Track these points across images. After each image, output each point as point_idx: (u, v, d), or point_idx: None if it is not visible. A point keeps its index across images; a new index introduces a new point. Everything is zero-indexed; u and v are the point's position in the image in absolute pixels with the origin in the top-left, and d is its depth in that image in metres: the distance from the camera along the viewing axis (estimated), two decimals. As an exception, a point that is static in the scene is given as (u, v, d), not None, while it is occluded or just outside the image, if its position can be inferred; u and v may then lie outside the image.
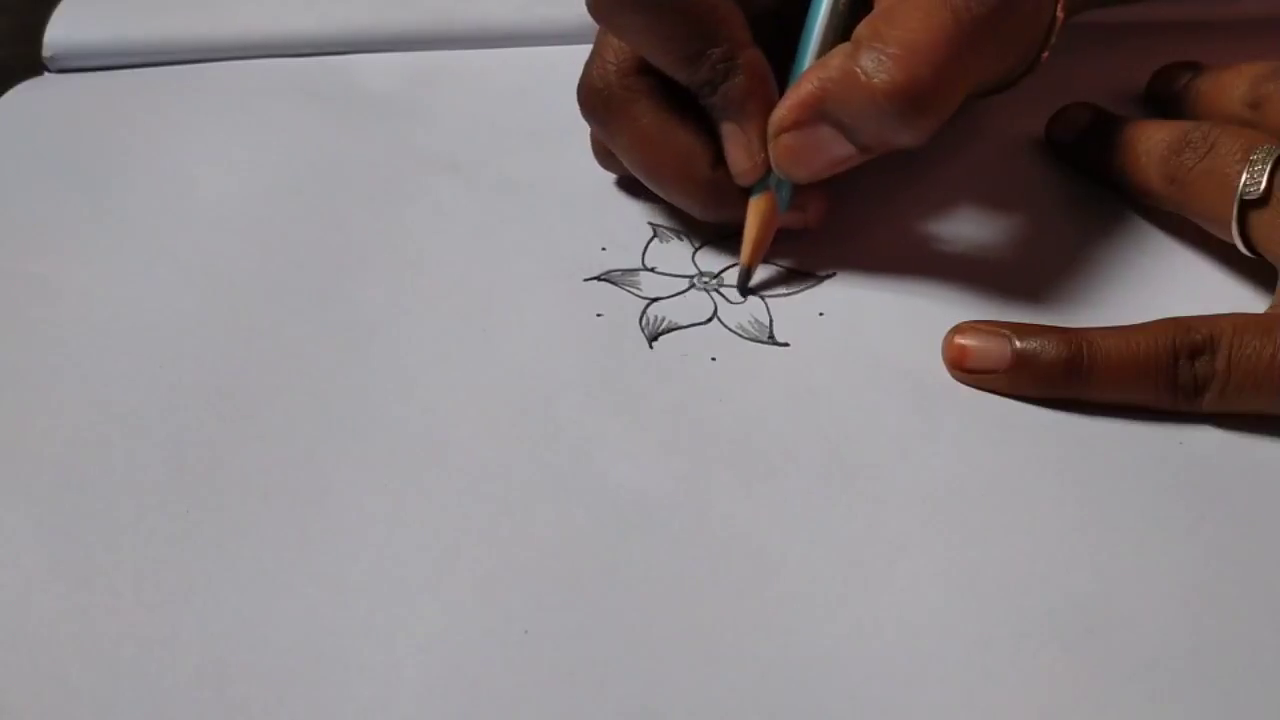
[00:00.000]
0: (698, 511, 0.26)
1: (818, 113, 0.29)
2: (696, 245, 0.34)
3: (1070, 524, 0.26)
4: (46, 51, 0.41)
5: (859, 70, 0.28)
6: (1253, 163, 0.29)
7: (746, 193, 0.32)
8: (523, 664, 0.23)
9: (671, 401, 0.29)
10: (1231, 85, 0.34)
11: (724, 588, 0.24)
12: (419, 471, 0.27)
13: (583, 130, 0.38)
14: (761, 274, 0.33)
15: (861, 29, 0.29)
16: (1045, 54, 0.34)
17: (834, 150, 0.29)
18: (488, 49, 0.43)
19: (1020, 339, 0.28)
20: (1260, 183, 0.29)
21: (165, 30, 0.42)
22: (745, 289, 0.32)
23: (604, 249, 0.33)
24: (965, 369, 0.29)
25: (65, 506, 0.26)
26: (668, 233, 0.34)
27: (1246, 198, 0.29)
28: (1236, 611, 0.24)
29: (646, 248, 0.34)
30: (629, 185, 0.36)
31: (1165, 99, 0.37)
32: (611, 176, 0.36)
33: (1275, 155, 0.29)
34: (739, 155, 0.31)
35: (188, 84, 0.41)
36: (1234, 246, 0.30)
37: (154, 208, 0.35)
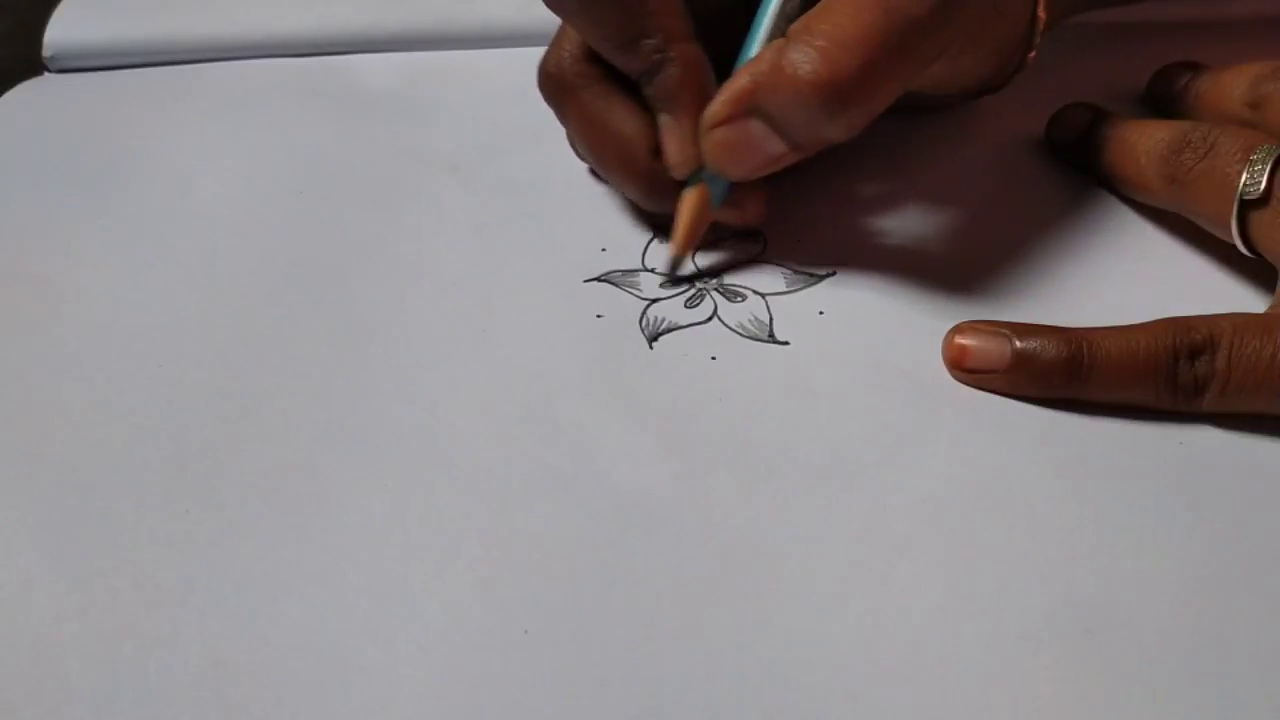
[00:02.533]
0: (698, 511, 0.26)
1: (749, 107, 0.29)
2: (697, 246, 0.34)
3: (1070, 524, 0.26)
4: (46, 51, 0.41)
5: (786, 63, 0.28)
6: (1253, 163, 0.29)
7: (685, 183, 0.32)
8: (522, 664, 0.23)
9: (671, 401, 0.29)
10: (1231, 85, 0.34)
11: (724, 587, 0.24)
12: (419, 471, 0.27)
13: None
14: (763, 276, 0.33)
15: (795, 24, 0.29)
16: (1032, 54, 0.34)
17: (765, 146, 0.29)
18: (488, 49, 0.43)
19: (1020, 339, 0.28)
20: (1260, 183, 0.29)
21: (165, 30, 0.42)
22: (674, 278, 0.32)
23: (604, 250, 0.34)
24: (965, 369, 0.29)
25: (65, 506, 0.26)
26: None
27: (1246, 198, 0.29)
28: (1236, 611, 0.24)
29: (646, 248, 0.34)
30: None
31: (1165, 99, 0.37)
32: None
33: (1275, 155, 0.29)
34: (672, 149, 0.31)
35: (188, 84, 0.41)
36: (1234, 246, 0.30)
37: (154, 207, 0.35)
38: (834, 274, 0.33)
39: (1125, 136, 0.33)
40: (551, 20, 0.43)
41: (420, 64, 0.42)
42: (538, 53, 0.42)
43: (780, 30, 0.30)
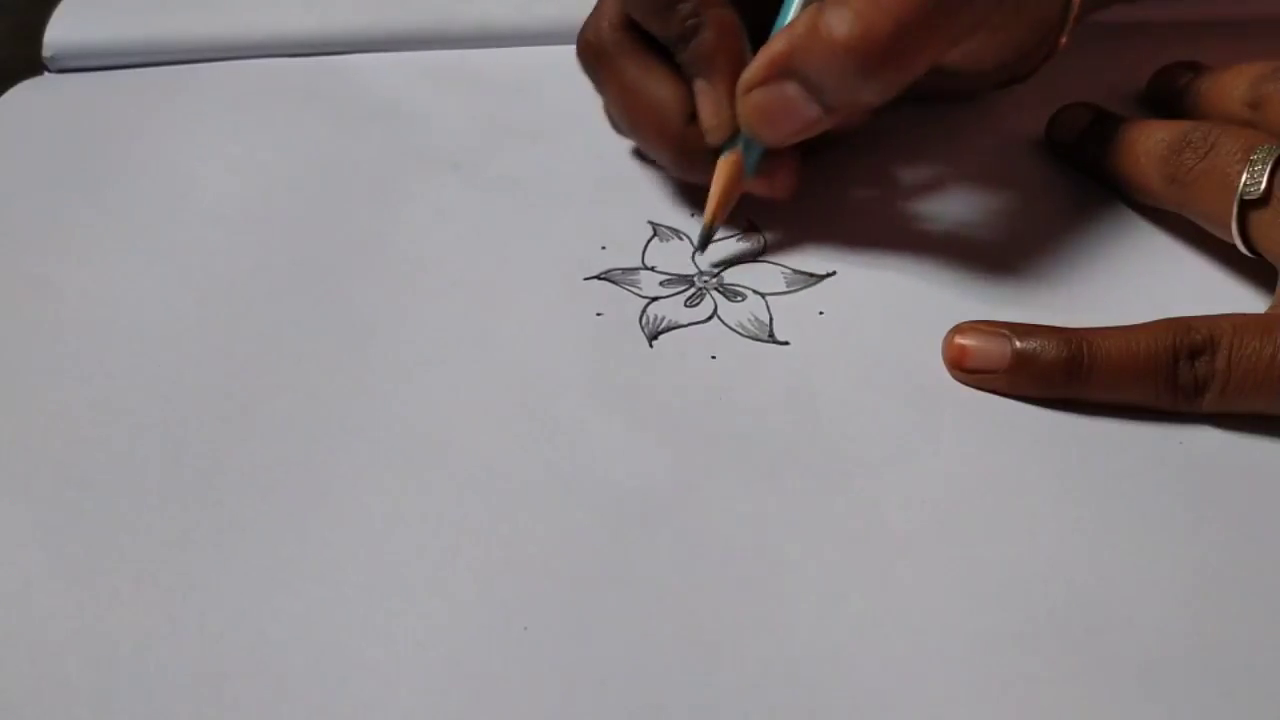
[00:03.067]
0: (697, 509, 0.26)
1: (784, 70, 0.29)
2: (697, 244, 0.34)
3: (1070, 524, 0.26)
4: (46, 51, 0.41)
5: (822, 25, 0.28)
6: (1253, 163, 0.29)
7: (718, 153, 0.32)
8: (522, 661, 0.23)
9: (671, 400, 0.29)
10: (1231, 85, 0.34)
11: (723, 585, 0.24)
12: (419, 470, 0.27)
13: (583, 129, 0.38)
14: (763, 276, 0.33)
15: None
16: (1064, 39, 0.34)
17: (802, 111, 0.29)
18: (488, 49, 0.43)
19: (1020, 339, 0.28)
20: (1260, 183, 0.29)
21: (165, 30, 0.42)
22: (704, 246, 0.33)
23: (604, 248, 0.34)
24: (965, 369, 0.29)
25: (65, 505, 0.26)
26: (668, 231, 0.34)
27: (1246, 197, 0.29)
28: (1236, 611, 0.24)
29: (646, 246, 0.34)
30: (629, 184, 0.36)
31: (1165, 99, 0.37)
32: (611, 175, 0.36)
33: (1275, 155, 0.29)
34: (707, 113, 0.31)
35: (188, 84, 0.41)
36: (1234, 246, 0.30)
37: (154, 208, 0.35)
38: (834, 274, 0.33)
39: (1125, 136, 0.33)
40: (552, 20, 0.44)
41: (420, 64, 0.42)
42: (538, 52, 0.43)
43: None
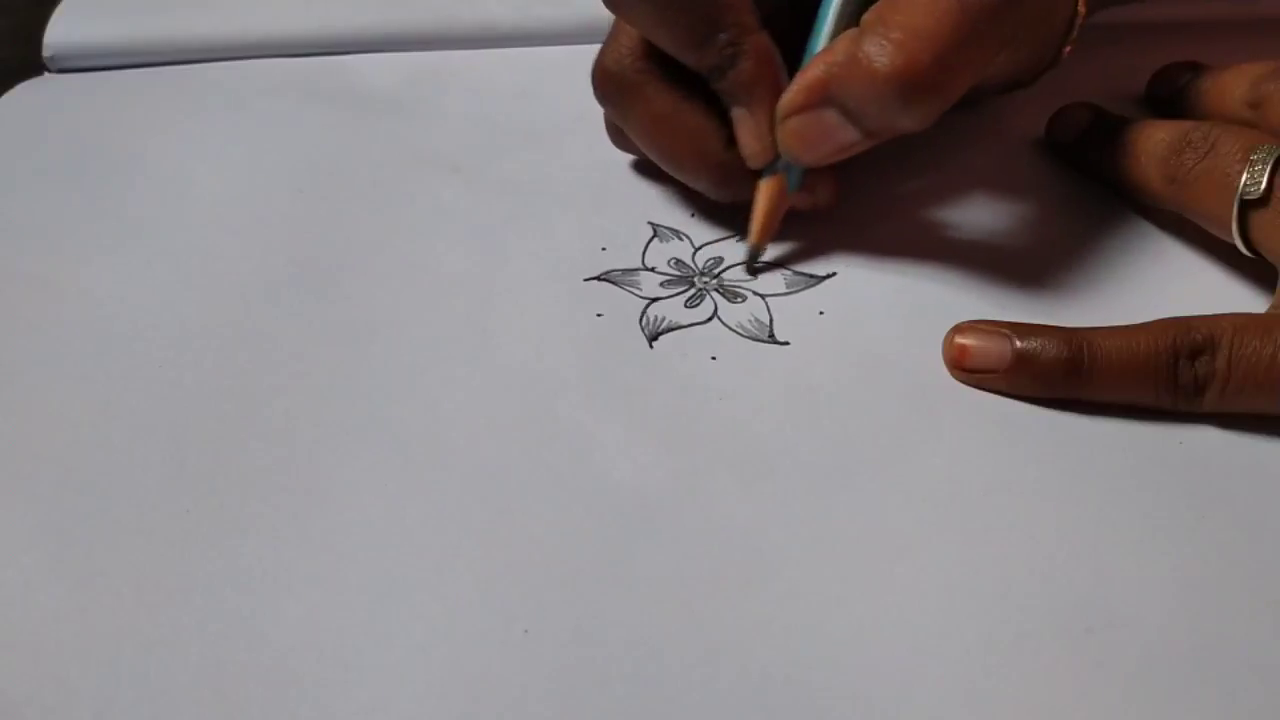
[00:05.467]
0: (698, 510, 0.26)
1: (823, 97, 0.29)
2: (697, 245, 0.34)
3: (1070, 524, 0.26)
4: (46, 51, 0.41)
5: (862, 54, 0.28)
6: (1253, 163, 0.29)
7: (758, 173, 0.32)
8: (522, 663, 0.23)
9: (671, 401, 0.29)
10: (1231, 85, 0.34)
11: (724, 587, 0.24)
12: (419, 471, 0.27)
13: (583, 129, 0.38)
14: (764, 277, 0.33)
15: (868, 15, 0.29)
16: (1068, 49, 0.34)
17: (840, 135, 0.30)
18: (488, 49, 0.43)
19: (1020, 339, 0.28)
20: (1260, 183, 0.29)
21: (165, 30, 0.42)
22: (753, 269, 0.33)
23: (604, 249, 0.34)
24: (965, 369, 0.29)
25: (65, 505, 0.26)
26: (668, 232, 0.34)
27: (1247, 198, 0.29)
28: (1236, 611, 0.24)
29: (646, 247, 0.34)
30: (629, 185, 0.36)
31: (1165, 99, 0.37)
32: (611, 176, 0.36)
33: (1275, 155, 0.29)
34: (748, 139, 0.31)
35: (188, 84, 0.41)
36: (1234, 246, 0.30)
37: (154, 207, 0.35)
38: (834, 275, 0.33)
39: (1125, 136, 0.33)
40: (552, 20, 0.43)
41: (420, 64, 0.42)
42: (537, 52, 0.42)
43: (847, 17, 0.30)
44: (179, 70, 0.42)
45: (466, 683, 0.23)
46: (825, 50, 0.30)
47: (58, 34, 0.42)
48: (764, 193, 0.32)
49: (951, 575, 0.25)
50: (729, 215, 0.35)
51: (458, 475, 0.27)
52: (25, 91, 0.41)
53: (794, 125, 0.30)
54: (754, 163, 0.32)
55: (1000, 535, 0.25)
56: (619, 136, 0.35)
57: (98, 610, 0.24)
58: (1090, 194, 0.35)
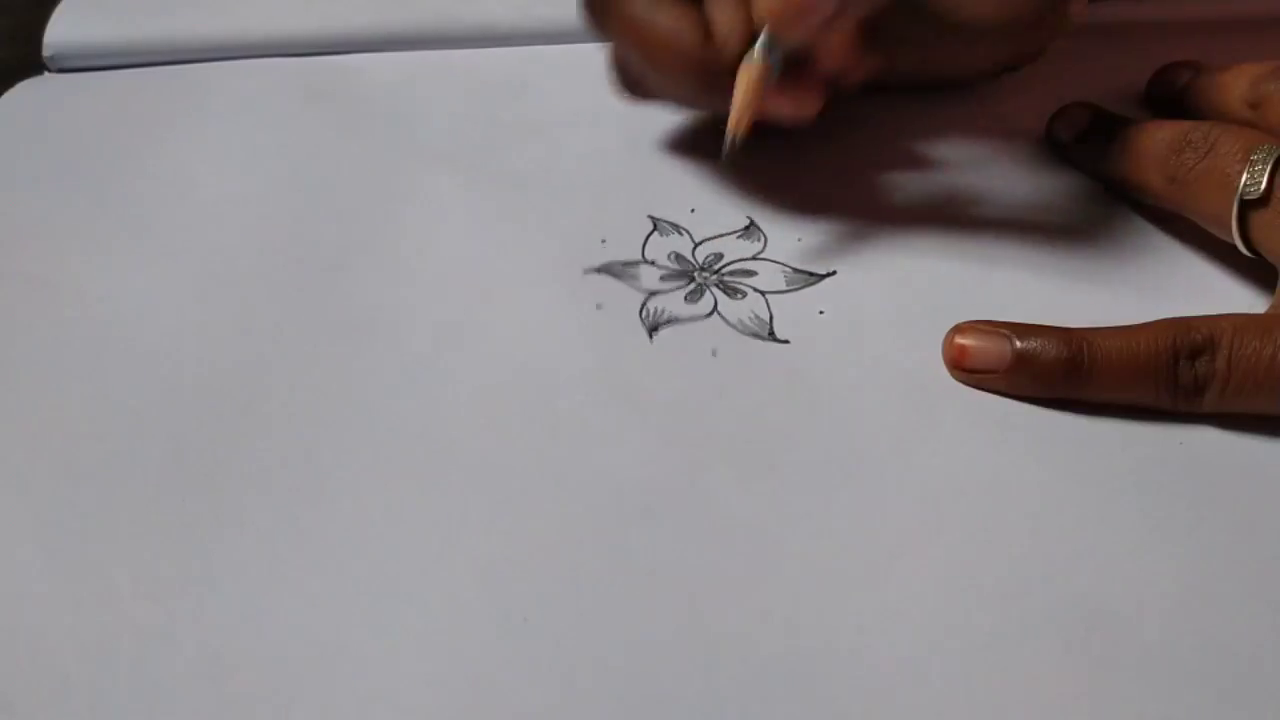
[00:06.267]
0: (697, 504, 0.26)
1: None
2: (697, 240, 0.34)
3: (1070, 524, 0.26)
4: (46, 51, 0.41)
5: None
6: (1253, 163, 0.29)
7: (733, 69, 0.31)
8: (522, 654, 0.23)
9: (671, 395, 0.29)
10: (1231, 85, 0.34)
11: (722, 580, 0.24)
12: (418, 463, 0.27)
13: (583, 124, 0.38)
14: (764, 274, 0.33)
15: None
16: (1074, 5, 0.34)
17: (822, 4, 0.29)
18: (488, 49, 0.43)
19: (1020, 339, 0.28)
20: (1260, 183, 0.29)
21: (165, 30, 0.42)
22: (730, 157, 0.32)
23: (604, 241, 0.34)
24: (965, 369, 0.29)
25: (64, 502, 0.26)
26: (668, 226, 0.34)
27: (1247, 198, 0.29)
28: (1236, 611, 0.24)
29: (646, 240, 0.34)
30: (629, 178, 0.36)
31: (1165, 99, 0.37)
32: (611, 170, 0.36)
33: (1275, 155, 0.29)
34: (721, 20, 0.30)
35: (188, 84, 0.41)
36: (1234, 246, 0.30)
37: (154, 207, 0.35)
38: (834, 274, 0.33)
39: (1125, 136, 0.33)
40: (551, 20, 0.43)
41: (420, 63, 0.42)
42: (537, 52, 0.42)
43: None
44: (179, 70, 0.42)
45: (467, 672, 0.23)
46: None
47: (58, 34, 0.41)
48: (743, 74, 0.30)
49: (951, 574, 0.25)
50: (730, 211, 0.35)
51: (457, 467, 0.27)
52: (25, 91, 0.40)
53: None
54: (729, 47, 0.31)
55: (1000, 535, 0.25)
56: (622, 85, 0.34)
57: (95, 605, 0.24)
58: (1090, 194, 0.35)
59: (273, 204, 0.35)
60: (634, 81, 0.34)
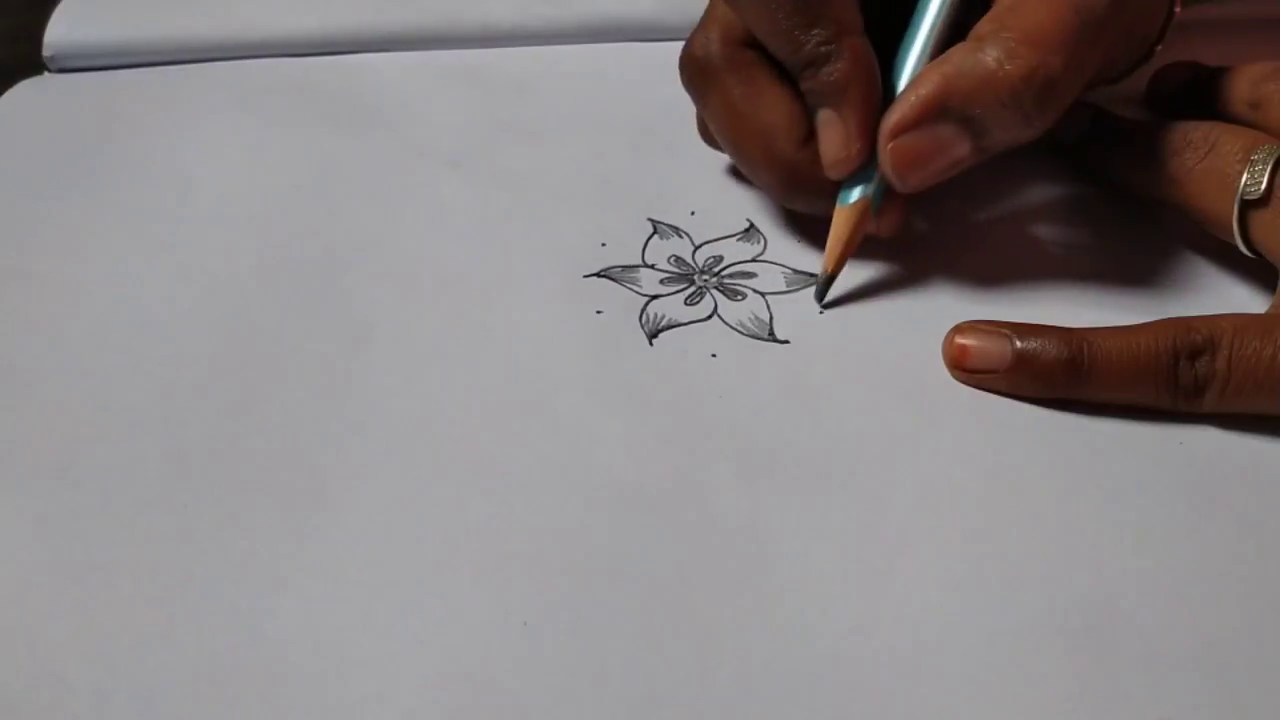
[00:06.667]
0: (697, 507, 0.26)
1: (941, 110, 0.28)
2: (697, 243, 0.34)
3: (1070, 523, 0.26)
4: (46, 51, 0.41)
5: (991, 61, 0.28)
6: (1253, 163, 0.29)
7: (826, 180, 0.31)
8: (522, 657, 0.23)
9: (671, 398, 0.29)
10: (1231, 85, 0.34)
11: (723, 583, 0.24)
12: (418, 466, 0.27)
13: (583, 127, 0.38)
14: (763, 275, 0.33)
15: (983, 26, 0.29)
16: (1159, 45, 0.34)
17: (953, 150, 0.29)
18: (488, 49, 0.43)
19: (1021, 339, 0.28)
20: (1261, 183, 0.29)
21: (165, 30, 0.42)
22: (823, 296, 0.31)
23: (604, 245, 0.34)
24: (965, 369, 0.29)
25: (64, 503, 0.26)
26: (668, 229, 0.34)
27: (1247, 198, 0.29)
28: (1237, 611, 0.24)
29: (646, 244, 0.34)
30: (629, 182, 0.36)
31: (1165, 99, 0.37)
32: (611, 173, 0.36)
33: (1276, 155, 0.29)
34: (834, 144, 0.30)
35: (188, 84, 0.41)
36: (1234, 246, 0.30)
37: (154, 207, 0.35)
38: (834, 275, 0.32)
39: (1126, 137, 0.33)
40: (552, 20, 0.43)
41: (420, 64, 0.42)
42: (537, 52, 0.42)
43: (947, 28, 0.30)
44: (179, 70, 0.42)
45: (466, 676, 0.23)
46: (936, 63, 0.29)
47: (58, 34, 0.41)
48: (845, 217, 0.31)
49: (951, 573, 0.25)
50: (729, 213, 0.35)
51: (457, 470, 0.27)
52: (25, 91, 0.40)
53: (906, 142, 0.29)
54: (835, 171, 0.30)
55: (1000, 534, 0.25)
56: (707, 132, 0.34)
57: (96, 606, 0.24)
58: (1090, 194, 0.35)
59: (272, 204, 0.35)
60: (712, 136, 0.34)
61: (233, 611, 0.24)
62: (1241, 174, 0.29)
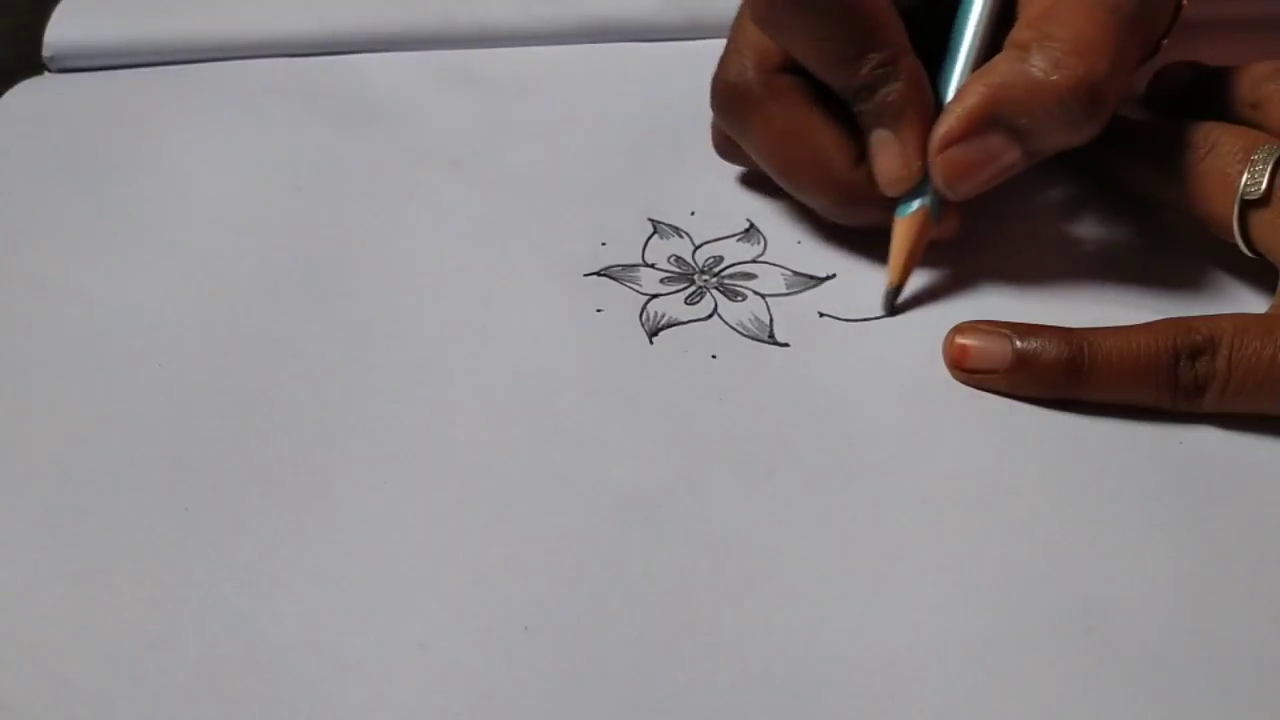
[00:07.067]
0: (697, 508, 0.26)
1: (989, 120, 0.29)
2: (697, 243, 0.34)
3: (1070, 524, 0.26)
4: (46, 51, 0.41)
5: (1036, 69, 0.28)
6: (1253, 163, 0.29)
7: (881, 196, 0.31)
8: (522, 660, 0.23)
9: (671, 398, 0.29)
10: (1231, 85, 0.34)
11: (723, 585, 0.24)
12: (418, 467, 0.27)
13: (582, 128, 0.38)
14: (764, 277, 0.33)
15: (1022, 34, 0.29)
16: (1165, 40, 0.34)
17: (1003, 158, 0.29)
18: (488, 49, 0.43)
19: (1021, 339, 0.28)
20: (1261, 183, 0.29)
21: (165, 30, 0.42)
22: (892, 308, 0.31)
23: (604, 244, 0.34)
24: (965, 369, 0.29)
25: (64, 504, 0.26)
26: (668, 229, 0.34)
27: (1247, 198, 0.29)
28: (1236, 611, 0.24)
29: (646, 243, 0.34)
30: (629, 181, 0.36)
31: (1165, 99, 0.37)
32: (611, 173, 0.36)
33: (1276, 155, 0.29)
34: (893, 164, 0.30)
35: (188, 84, 0.41)
36: (1234, 246, 0.30)
37: (154, 207, 0.35)
38: (834, 277, 0.33)
39: (1126, 137, 0.33)
40: (552, 20, 0.43)
41: (420, 64, 0.42)
42: (537, 52, 0.42)
43: (988, 39, 0.30)
44: (179, 70, 0.42)
45: (466, 680, 0.23)
46: (979, 73, 0.29)
47: (58, 34, 0.41)
48: (907, 227, 0.31)
49: (951, 574, 0.25)
50: (729, 214, 0.35)
51: (457, 471, 0.27)
52: (25, 91, 0.40)
53: (955, 154, 0.29)
54: (893, 190, 0.30)
55: (1000, 535, 0.25)
56: (728, 147, 0.34)
57: (96, 608, 0.24)
58: (1090, 194, 0.35)
59: (273, 204, 0.35)
60: (733, 151, 0.34)
61: (233, 614, 0.24)
62: (1242, 174, 0.29)
